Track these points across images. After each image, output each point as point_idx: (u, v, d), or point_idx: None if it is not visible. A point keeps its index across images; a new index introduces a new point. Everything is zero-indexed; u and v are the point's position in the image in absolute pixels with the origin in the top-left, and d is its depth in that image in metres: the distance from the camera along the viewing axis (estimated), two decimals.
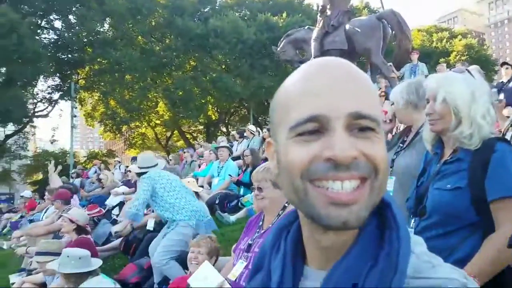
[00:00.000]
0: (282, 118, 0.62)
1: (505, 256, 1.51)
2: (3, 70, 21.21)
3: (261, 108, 30.24)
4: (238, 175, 7.00)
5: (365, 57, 10.95)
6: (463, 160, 1.68)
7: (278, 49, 11.48)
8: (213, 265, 3.03)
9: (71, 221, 4.55)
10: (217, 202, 6.20)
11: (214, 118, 30.47)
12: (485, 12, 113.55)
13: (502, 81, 7.99)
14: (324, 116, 0.56)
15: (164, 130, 30.42)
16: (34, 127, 28.77)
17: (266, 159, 7.07)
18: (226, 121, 31.70)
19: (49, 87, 26.11)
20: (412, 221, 1.81)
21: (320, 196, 0.57)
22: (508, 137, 3.23)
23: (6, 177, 31.11)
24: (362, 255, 0.59)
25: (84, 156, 33.85)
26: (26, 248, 5.56)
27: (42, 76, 24.04)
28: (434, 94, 1.76)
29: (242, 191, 6.77)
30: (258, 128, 11.27)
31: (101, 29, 24.90)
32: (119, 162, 16.19)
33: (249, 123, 25.66)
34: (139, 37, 25.53)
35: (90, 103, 28.09)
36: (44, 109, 26.70)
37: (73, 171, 19.07)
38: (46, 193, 8.20)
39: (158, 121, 28.46)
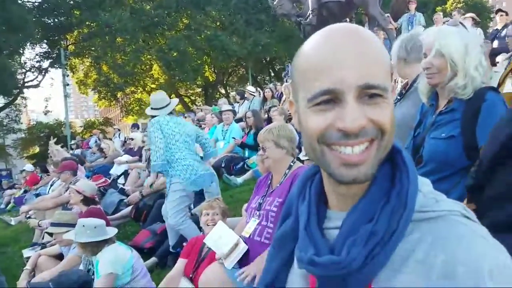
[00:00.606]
0: (300, 83, 0.69)
1: None
2: None
3: (259, 67, 29.31)
4: (242, 137, 6.99)
5: (363, 9, 10.74)
6: (457, 110, 1.81)
7: (275, 2, 11.08)
8: None
9: (78, 192, 4.58)
10: (223, 165, 6.24)
11: (211, 80, 29.60)
12: None
13: (497, 28, 7.98)
14: (337, 89, 0.63)
15: None
16: (25, 98, 27.77)
17: (268, 120, 7.11)
18: (224, 82, 30.82)
19: (37, 55, 25.05)
20: None
21: (334, 158, 0.66)
22: (509, 85, 3.16)
23: (1, 153, 30.30)
24: (376, 196, 0.68)
25: (81, 126, 33.20)
26: (38, 221, 5.58)
27: (28, 43, 22.93)
28: (431, 49, 1.83)
29: (247, 153, 6.79)
30: (258, 88, 10.92)
31: None
32: (119, 130, 15.78)
33: (248, 83, 24.94)
34: None
35: (82, 69, 27.10)
36: (34, 78, 25.82)
37: (72, 142, 18.64)
38: (51, 166, 8.13)
39: (153, 85, 27.37)
